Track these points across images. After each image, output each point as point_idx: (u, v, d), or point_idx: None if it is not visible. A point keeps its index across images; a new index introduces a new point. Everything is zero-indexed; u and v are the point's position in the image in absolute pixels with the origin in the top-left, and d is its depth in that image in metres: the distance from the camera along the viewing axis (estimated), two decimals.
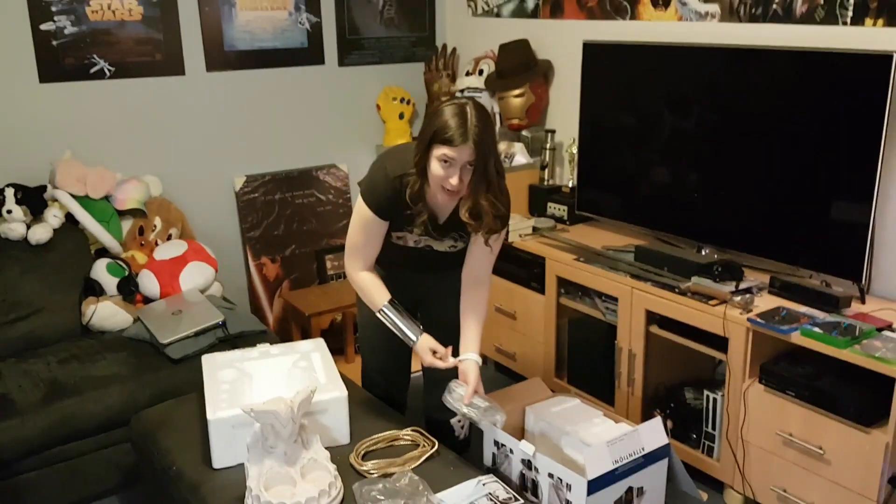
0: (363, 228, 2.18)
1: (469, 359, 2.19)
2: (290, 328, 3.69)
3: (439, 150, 1.96)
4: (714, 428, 2.63)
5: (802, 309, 2.41)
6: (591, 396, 2.97)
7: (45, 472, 2.49)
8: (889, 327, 2.27)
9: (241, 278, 3.76)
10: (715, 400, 2.61)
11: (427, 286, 2.37)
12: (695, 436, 2.71)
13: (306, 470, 1.96)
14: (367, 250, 2.21)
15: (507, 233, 2.41)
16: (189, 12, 3.41)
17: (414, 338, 2.19)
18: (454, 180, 1.97)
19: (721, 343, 2.50)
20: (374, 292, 2.22)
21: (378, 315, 2.22)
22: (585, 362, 3.10)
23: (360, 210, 2.16)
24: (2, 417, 2.41)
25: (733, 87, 2.68)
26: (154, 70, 3.38)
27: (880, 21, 2.41)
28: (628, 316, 2.77)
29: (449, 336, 2.27)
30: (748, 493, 2.51)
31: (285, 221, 3.80)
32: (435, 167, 1.98)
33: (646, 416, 2.78)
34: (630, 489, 2.07)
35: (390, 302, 2.21)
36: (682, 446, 2.71)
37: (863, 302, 2.46)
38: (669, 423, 2.78)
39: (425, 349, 2.19)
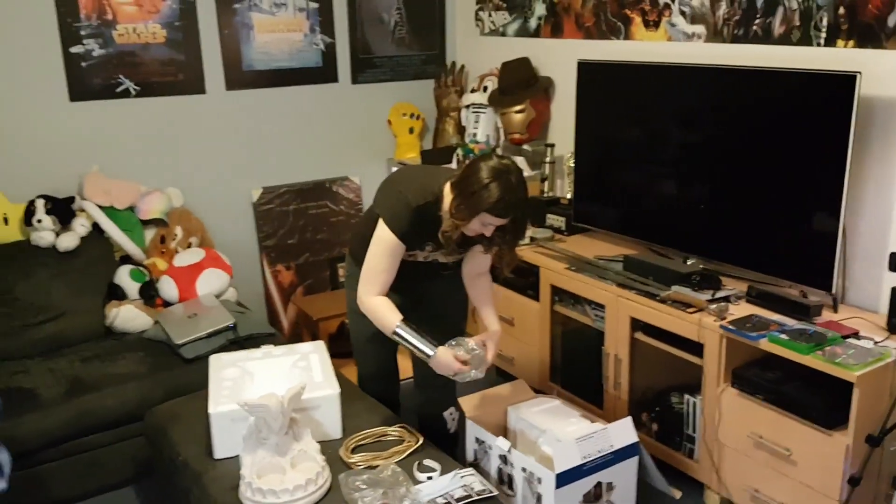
0: (385, 255, 2.26)
1: (494, 330, 2.41)
2: (302, 332, 3.88)
3: (486, 218, 2.13)
4: (694, 430, 2.75)
5: (775, 317, 2.52)
6: (582, 399, 3.10)
7: (65, 462, 2.70)
8: (855, 335, 2.37)
9: (257, 284, 3.96)
10: (694, 403, 2.73)
11: (427, 287, 2.53)
12: (678, 438, 2.83)
13: (296, 460, 2.12)
14: (385, 276, 2.28)
15: None
16: (210, 35, 3.63)
17: (430, 352, 2.23)
18: (489, 233, 2.20)
19: (700, 349, 2.62)
20: (387, 315, 2.27)
21: (392, 336, 2.29)
22: (577, 367, 3.23)
23: (384, 237, 2.24)
24: (26, 411, 2.62)
25: (717, 105, 2.80)
26: (176, 89, 3.61)
27: (851, 42, 2.52)
28: (615, 322, 2.90)
29: (446, 327, 2.45)
30: (724, 494, 2.61)
31: (299, 231, 4.00)
32: (475, 225, 2.16)
33: (632, 419, 2.89)
34: (599, 484, 2.21)
35: (403, 321, 2.26)
36: (665, 448, 2.83)
37: (835, 311, 2.56)
38: (654, 426, 2.90)
39: (447, 359, 2.23)
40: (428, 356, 2.24)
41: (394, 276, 2.31)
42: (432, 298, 2.53)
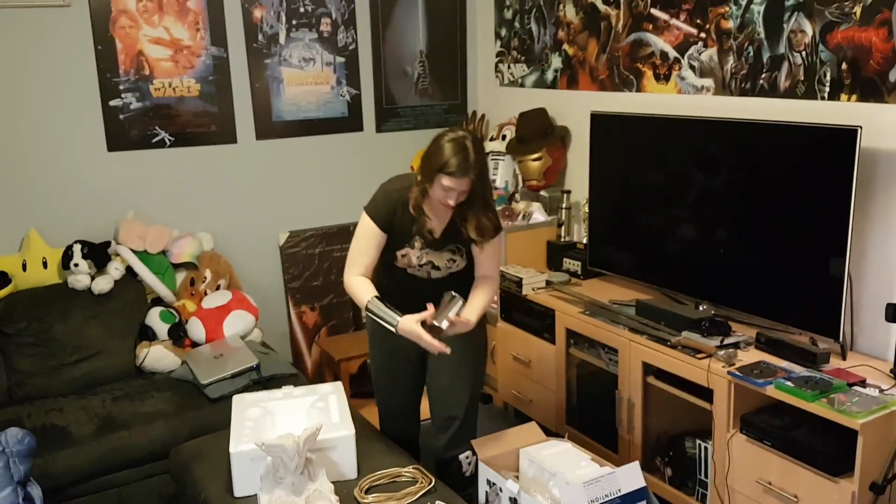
0: (362, 237, 2.50)
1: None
2: (324, 372, 3.98)
3: (444, 181, 2.31)
4: (706, 476, 2.78)
5: (783, 364, 2.56)
6: (597, 443, 3.15)
7: (95, 498, 2.80)
8: (861, 383, 2.40)
9: (283, 325, 4.08)
10: (706, 448, 2.76)
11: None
12: (690, 483, 2.86)
13: (311, 500, 2.21)
14: (364, 258, 2.51)
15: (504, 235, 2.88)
16: (241, 88, 3.81)
17: (395, 322, 2.39)
18: (452, 201, 2.36)
19: (710, 395, 2.66)
20: (362, 291, 2.48)
21: (364, 311, 2.49)
22: (592, 410, 3.28)
23: (363, 222, 2.50)
24: (59, 447, 2.74)
25: (725, 157, 2.88)
26: (209, 139, 3.78)
27: (854, 97, 2.59)
28: (627, 367, 2.95)
29: (465, 371, 2.59)
30: None
31: (324, 273, 4.12)
32: (437, 191, 2.35)
33: (646, 463, 2.94)
34: None
35: (375, 297, 2.45)
36: (678, 493, 2.86)
37: (843, 358, 2.60)
38: (668, 471, 2.94)
39: (410, 325, 2.35)
40: (393, 326, 2.39)
41: (374, 261, 2.50)
42: (447, 341, 2.61)
